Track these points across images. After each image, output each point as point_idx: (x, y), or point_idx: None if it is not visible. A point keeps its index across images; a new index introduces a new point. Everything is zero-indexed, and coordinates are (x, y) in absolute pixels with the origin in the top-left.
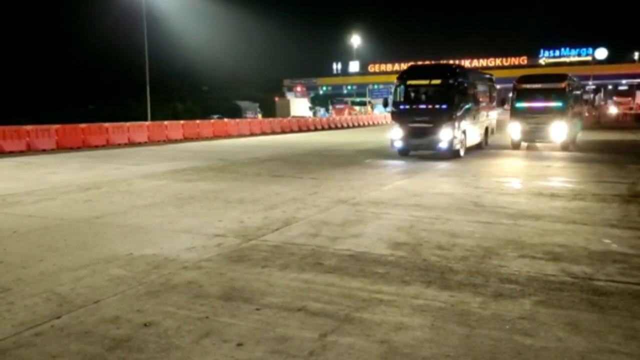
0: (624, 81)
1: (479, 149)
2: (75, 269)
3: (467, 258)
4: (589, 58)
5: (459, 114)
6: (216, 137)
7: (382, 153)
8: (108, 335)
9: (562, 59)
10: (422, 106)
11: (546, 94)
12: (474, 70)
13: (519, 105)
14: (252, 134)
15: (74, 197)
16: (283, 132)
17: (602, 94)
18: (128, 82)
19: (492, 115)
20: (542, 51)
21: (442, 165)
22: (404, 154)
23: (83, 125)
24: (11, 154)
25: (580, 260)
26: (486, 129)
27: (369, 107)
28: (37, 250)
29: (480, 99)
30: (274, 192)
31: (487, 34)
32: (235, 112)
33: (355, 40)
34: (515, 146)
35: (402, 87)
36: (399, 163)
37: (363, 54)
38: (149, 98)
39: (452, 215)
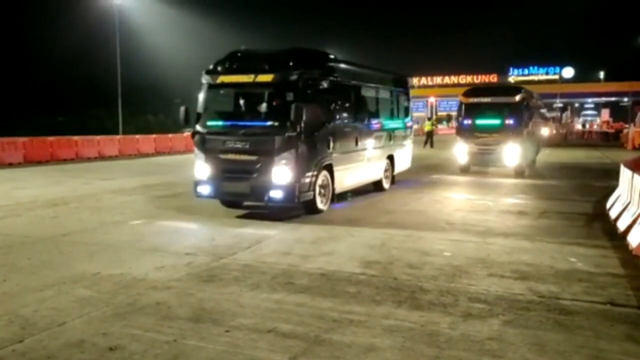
0: (589, 99)
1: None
2: (39, 290)
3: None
4: (557, 77)
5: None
6: (189, 151)
7: None
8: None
9: (531, 77)
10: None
11: (497, 110)
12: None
13: (465, 122)
14: None
15: (40, 213)
16: None
17: (569, 112)
18: (99, 94)
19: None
20: (511, 69)
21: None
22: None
23: (52, 138)
24: None
25: (547, 279)
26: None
27: None
28: (0, 269)
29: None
30: (247, 209)
31: (458, 51)
32: None
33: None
34: (464, 170)
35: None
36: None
37: None
38: (120, 111)
39: None
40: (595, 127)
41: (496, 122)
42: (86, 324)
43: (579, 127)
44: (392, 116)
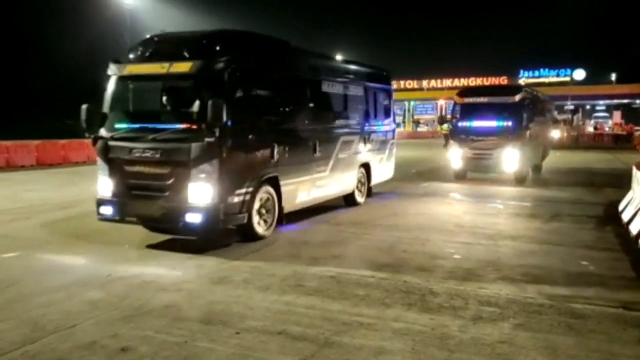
0: (601, 102)
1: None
2: (50, 292)
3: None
4: (568, 79)
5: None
6: None
7: None
8: None
9: (542, 80)
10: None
11: (495, 111)
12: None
13: (460, 125)
14: None
15: (51, 216)
16: None
17: (580, 115)
18: None
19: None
20: (522, 72)
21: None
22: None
23: (63, 142)
24: None
25: (558, 282)
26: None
27: None
28: (13, 272)
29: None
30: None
31: (469, 54)
32: None
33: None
34: (459, 177)
35: None
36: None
37: None
38: None
39: None
40: (606, 129)
41: (493, 124)
42: (96, 327)
43: (590, 129)
44: (367, 118)
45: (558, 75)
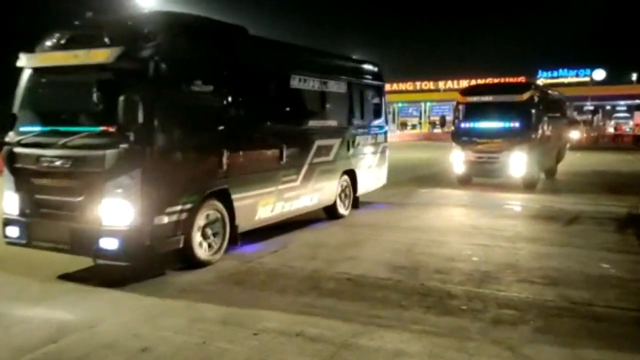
0: (622, 102)
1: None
2: (72, 292)
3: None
4: (587, 79)
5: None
6: None
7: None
8: None
9: (560, 80)
10: None
11: (500, 111)
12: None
13: (462, 126)
14: None
15: None
16: None
17: (600, 115)
18: None
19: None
20: (539, 72)
21: None
22: None
23: None
24: None
25: (578, 285)
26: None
27: None
28: (31, 272)
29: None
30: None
31: (486, 55)
32: None
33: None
34: (463, 182)
35: None
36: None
37: None
38: None
39: None
40: (626, 129)
41: (499, 124)
42: (118, 326)
43: (610, 130)
44: (352, 118)
45: (577, 75)
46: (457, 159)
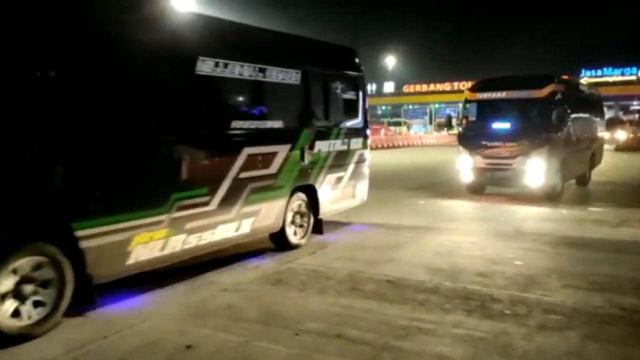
0: None
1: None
2: (118, 289)
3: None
4: (634, 77)
5: None
6: None
7: (422, 179)
8: (152, 356)
9: (605, 79)
10: None
11: (516, 109)
12: None
13: (472, 127)
14: None
15: None
16: None
17: None
18: None
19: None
20: (583, 70)
21: None
22: None
23: None
24: None
25: (628, 291)
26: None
27: (404, 128)
28: None
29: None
30: None
31: (526, 52)
32: None
33: (390, 61)
34: (474, 191)
35: None
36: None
37: (398, 75)
38: None
39: None
40: None
41: (513, 125)
42: (163, 323)
43: None
44: (308, 118)
45: (622, 74)
46: (465, 166)
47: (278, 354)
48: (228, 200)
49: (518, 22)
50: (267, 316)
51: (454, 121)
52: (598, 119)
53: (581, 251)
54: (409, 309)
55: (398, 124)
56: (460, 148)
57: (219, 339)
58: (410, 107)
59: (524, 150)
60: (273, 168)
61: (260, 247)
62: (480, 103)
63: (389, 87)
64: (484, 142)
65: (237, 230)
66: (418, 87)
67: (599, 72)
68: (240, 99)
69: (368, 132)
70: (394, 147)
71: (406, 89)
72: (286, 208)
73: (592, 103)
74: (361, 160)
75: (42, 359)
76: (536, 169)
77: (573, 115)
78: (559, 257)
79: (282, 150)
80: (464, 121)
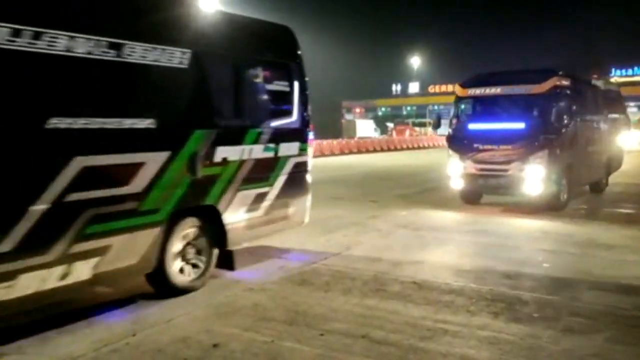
0: None
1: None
2: (146, 288)
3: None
4: None
5: None
6: None
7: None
8: (179, 354)
9: (636, 78)
10: None
11: (513, 107)
12: None
13: (462, 127)
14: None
15: None
16: (342, 153)
17: None
18: None
19: None
20: (613, 70)
21: None
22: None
23: None
24: None
25: None
26: None
27: (429, 128)
28: None
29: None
30: (333, 215)
31: (556, 51)
32: None
33: (415, 61)
34: (469, 200)
35: None
36: None
37: (423, 75)
38: None
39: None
40: None
41: (509, 125)
42: (190, 321)
43: None
44: (202, 115)
45: None
46: (455, 172)
47: (303, 354)
48: (41, 236)
49: (546, 21)
50: (292, 316)
51: (443, 121)
52: (617, 119)
53: (610, 252)
54: (433, 310)
55: (423, 124)
56: (450, 151)
57: (245, 338)
58: (436, 107)
59: (521, 154)
60: (136, 185)
61: (286, 248)
62: (473, 100)
63: (414, 87)
64: (476, 145)
65: (63, 277)
66: (444, 88)
67: (629, 72)
68: (71, 85)
69: (309, 134)
70: (419, 148)
71: (431, 89)
72: (164, 240)
73: (609, 101)
74: (297, 171)
75: (71, 356)
76: (535, 176)
77: (583, 114)
78: (588, 259)
79: (152, 160)
80: (455, 121)
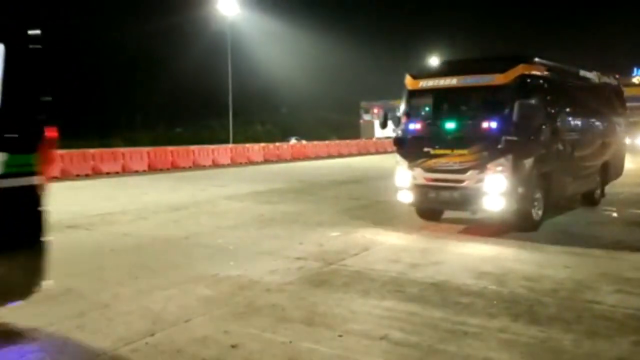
0: None
1: None
2: (166, 288)
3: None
4: None
5: None
6: (294, 159)
7: None
8: (198, 354)
9: None
10: None
11: (470, 102)
12: None
13: (411, 128)
14: (329, 156)
15: (164, 217)
16: (360, 154)
17: None
18: (212, 105)
19: None
20: (635, 69)
21: None
22: None
23: (171, 148)
24: (108, 174)
25: None
26: None
27: None
28: (132, 268)
29: None
30: (353, 216)
31: (576, 51)
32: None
33: (434, 61)
34: (427, 216)
35: None
36: None
37: None
38: (231, 121)
39: None
40: None
41: (464, 124)
42: (209, 322)
43: None
44: None
45: None
46: (403, 181)
47: (322, 355)
48: None
49: (568, 21)
50: (311, 317)
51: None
52: (616, 119)
53: (635, 255)
54: (453, 312)
55: None
56: (398, 157)
57: (264, 339)
58: None
59: (479, 161)
60: None
61: (303, 248)
62: (424, 94)
63: None
64: (426, 149)
65: None
66: None
67: None
68: None
69: (43, 140)
70: None
71: None
72: None
73: (604, 97)
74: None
75: (91, 354)
76: (495, 188)
77: (565, 112)
78: (612, 262)
79: None
80: (403, 120)
